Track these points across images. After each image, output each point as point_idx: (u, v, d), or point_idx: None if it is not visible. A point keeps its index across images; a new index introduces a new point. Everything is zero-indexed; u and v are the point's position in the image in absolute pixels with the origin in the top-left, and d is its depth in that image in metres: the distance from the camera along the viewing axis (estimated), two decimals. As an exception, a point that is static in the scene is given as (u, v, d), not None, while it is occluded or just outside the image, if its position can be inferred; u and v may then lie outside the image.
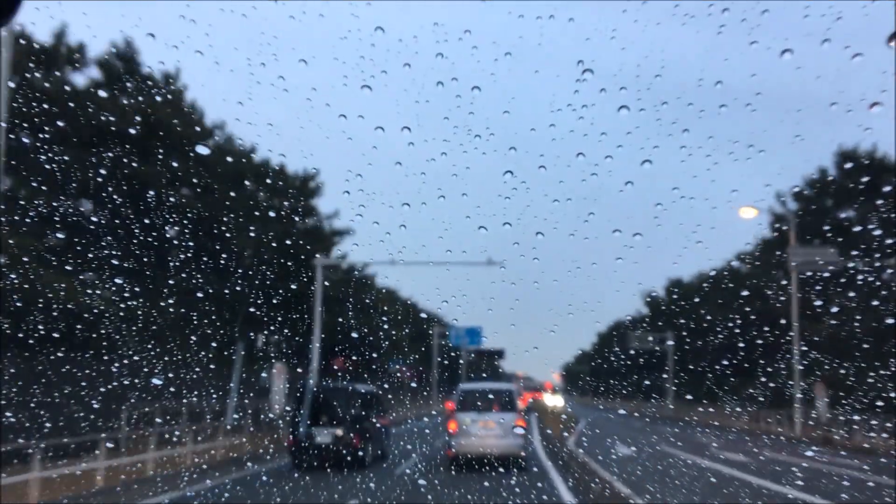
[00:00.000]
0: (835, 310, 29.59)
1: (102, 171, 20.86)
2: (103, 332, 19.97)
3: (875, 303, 27.40)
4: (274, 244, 27.74)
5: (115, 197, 20.98)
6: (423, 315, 49.71)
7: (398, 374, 46.56)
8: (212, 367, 24.82)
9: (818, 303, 31.08)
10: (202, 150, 24.84)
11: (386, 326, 40.68)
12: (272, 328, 31.61)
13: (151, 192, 22.33)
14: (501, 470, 17.65)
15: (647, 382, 57.28)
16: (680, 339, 49.18)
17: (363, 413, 19.58)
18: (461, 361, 63.03)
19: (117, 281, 20.85)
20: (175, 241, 24.27)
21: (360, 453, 18.55)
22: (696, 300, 47.08)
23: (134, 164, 21.42)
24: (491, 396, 19.53)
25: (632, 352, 53.19)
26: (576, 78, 9.31)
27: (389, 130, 10.27)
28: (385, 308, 39.98)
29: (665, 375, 51.78)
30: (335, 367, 34.41)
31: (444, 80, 10.59)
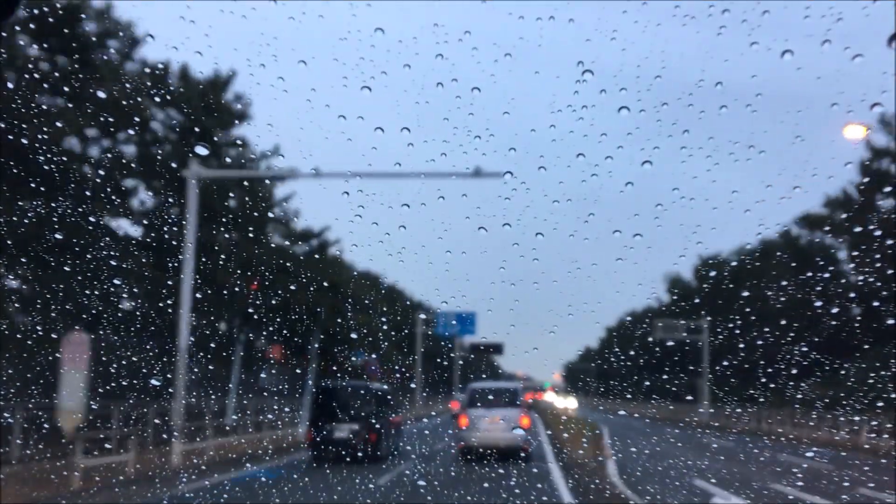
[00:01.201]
0: (835, 310, 28.84)
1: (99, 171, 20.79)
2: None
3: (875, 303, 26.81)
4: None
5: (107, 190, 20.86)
6: (406, 299, 42.72)
7: (367, 370, 37.61)
8: (210, 366, 24.78)
9: (818, 303, 30.08)
10: (201, 150, 24.73)
11: (354, 309, 33.64)
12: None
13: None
14: (501, 471, 17.79)
15: (646, 382, 50.98)
16: (717, 329, 40.64)
17: (378, 411, 20.44)
18: (454, 354, 55.80)
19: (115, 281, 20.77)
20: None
21: (376, 449, 19.47)
22: (756, 264, 36.69)
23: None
24: (498, 395, 21.47)
25: (660, 344, 44.94)
26: (576, 79, 9.29)
27: (389, 131, 10.24)
28: (354, 288, 33.56)
29: (684, 372, 44.36)
30: (270, 358, 29.05)
31: (444, 81, 10.58)
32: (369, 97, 9.55)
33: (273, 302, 27.09)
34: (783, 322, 28.65)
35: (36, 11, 18.55)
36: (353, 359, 36.71)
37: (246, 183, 27.30)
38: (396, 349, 44.61)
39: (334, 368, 32.75)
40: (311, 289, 28.08)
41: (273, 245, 29.38)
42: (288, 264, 28.39)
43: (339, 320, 31.58)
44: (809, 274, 31.33)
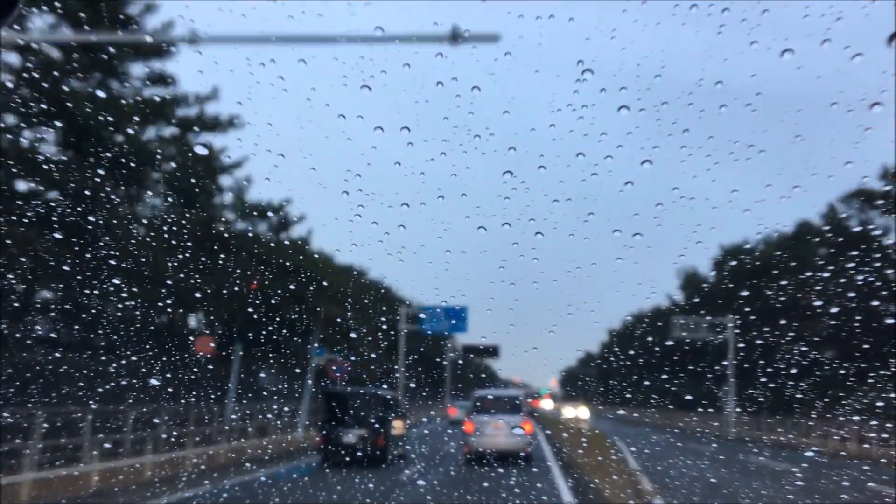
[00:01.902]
0: (835, 310, 28.28)
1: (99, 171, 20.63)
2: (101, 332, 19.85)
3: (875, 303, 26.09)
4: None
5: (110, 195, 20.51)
6: (391, 294, 37.07)
7: (330, 370, 31.92)
8: (210, 367, 24.68)
9: (818, 303, 29.32)
10: (200, 149, 24.68)
11: (321, 299, 28.27)
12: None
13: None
14: (501, 470, 17.96)
15: (658, 386, 45.36)
16: (744, 327, 35.32)
17: (385, 416, 21.37)
18: (453, 354, 50.20)
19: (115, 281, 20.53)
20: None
21: (383, 453, 20.33)
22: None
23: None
24: (501, 401, 23.15)
25: (676, 344, 39.56)
26: (576, 78, 9.25)
27: (389, 130, 10.20)
28: (323, 275, 28.31)
29: (703, 376, 39.44)
30: (197, 351, 23.66)
31: (443, 80, 10.52)
32: (369, 96, 9.52)
33: (206, 288, 22.83)
34: (829, 319, 24.10)
35: None
36: (315, 357, 30.73)
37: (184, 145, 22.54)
38: (377, 348, 38.87)
39: (290, 367, 28.93)
40: (249, 271, 23.66)
41: (216, 218, 24.74)
42: (231, 241, 24.09)
43: (301, 312, 27.51)
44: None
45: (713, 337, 38.68)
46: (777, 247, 36.25)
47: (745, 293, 34.17)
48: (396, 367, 39.78)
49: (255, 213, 26.89)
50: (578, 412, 47.31)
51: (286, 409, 30.02)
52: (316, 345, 29.82)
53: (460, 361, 56.27)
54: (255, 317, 24.69)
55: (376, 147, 11.20)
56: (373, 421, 20.81)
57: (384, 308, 35.96)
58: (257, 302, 24.49)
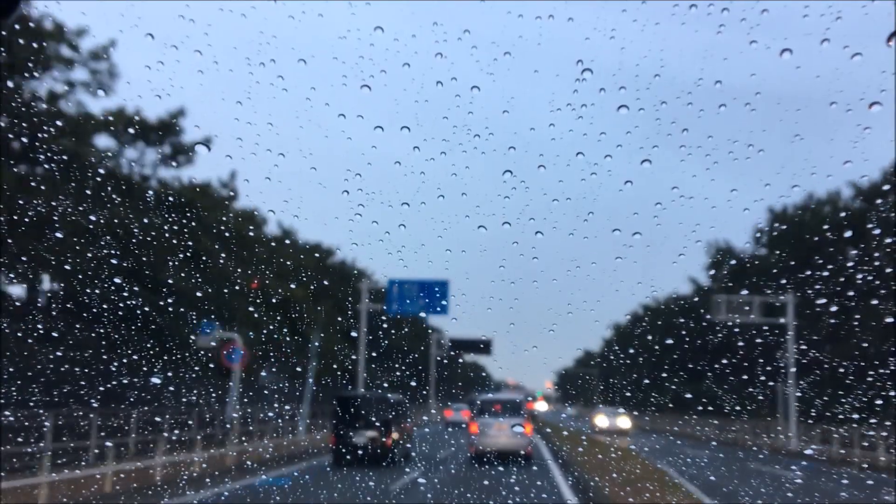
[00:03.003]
0: (834, 309, 27.88)
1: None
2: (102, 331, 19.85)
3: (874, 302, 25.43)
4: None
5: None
6: (349, 266, 30.07)
7: (223, 355, 24.09)
8: (211, 366, 24.68)
9: (819, 302, 28.45)
10: (201, 149, 24.61)
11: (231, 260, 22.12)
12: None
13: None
14: (501, 469, 18.09)
15: (645, 384, 39.47)
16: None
17: (393, 418, 22.30)
18: (438, 340, 44.07)
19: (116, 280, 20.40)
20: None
21: (391, 453, 21.31)
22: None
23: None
24: (503, 404, 24.47)
25: (707, 333, 32.57)
26: (575, 77, 9.28)
27: (389, 130, 10.23)
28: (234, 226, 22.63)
29: (745, 373, 32.51)
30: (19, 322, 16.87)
31: (443, 80, 10.55)
32: (369, 96, 9.55)
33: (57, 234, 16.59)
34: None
35: None
36: (209, 334, 23.39)
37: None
38: (330, 335, 31.41)
39: (168, 349, 21.86)
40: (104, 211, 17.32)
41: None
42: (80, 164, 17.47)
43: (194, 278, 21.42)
44: None
45: (748, 318, 30.35)
46: (859, 199, 28.83)
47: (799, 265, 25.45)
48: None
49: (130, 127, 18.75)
50: (618, 421, 35.80)
51: (287, 408, 30.08)
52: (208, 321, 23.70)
53: (460, 360, 54.55)
54: (116, 281, 18.50)
55: (376, 146, 11.23)
56: (381, 423, 21.68)
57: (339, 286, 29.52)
58: (123, 262, 18.17)
